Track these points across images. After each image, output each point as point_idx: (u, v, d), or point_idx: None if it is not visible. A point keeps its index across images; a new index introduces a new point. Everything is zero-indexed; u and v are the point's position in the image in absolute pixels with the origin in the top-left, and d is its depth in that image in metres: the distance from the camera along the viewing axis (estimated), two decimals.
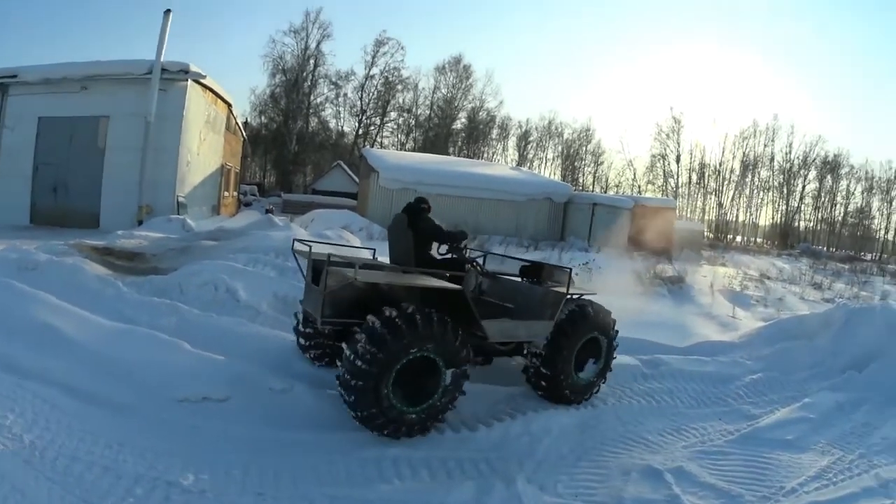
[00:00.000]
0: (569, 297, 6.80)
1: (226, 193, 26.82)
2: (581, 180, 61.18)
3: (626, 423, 6.59)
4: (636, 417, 6.82)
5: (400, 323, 5.12)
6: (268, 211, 27.22)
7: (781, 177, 58.78)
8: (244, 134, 33.07)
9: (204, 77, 19.02)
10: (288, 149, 51.78)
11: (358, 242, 12.64)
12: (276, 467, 4.70)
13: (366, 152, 32.25)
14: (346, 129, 57.76)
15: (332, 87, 55.56)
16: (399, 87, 57.56)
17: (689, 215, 56.03)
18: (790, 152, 58.30)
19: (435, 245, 6.81)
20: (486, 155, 58.45)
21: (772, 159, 58.66)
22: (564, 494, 4.95)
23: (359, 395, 5.08)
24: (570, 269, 7.07)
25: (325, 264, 5.62)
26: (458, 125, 59.64)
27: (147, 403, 5.22)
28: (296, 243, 6.59)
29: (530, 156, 62.04)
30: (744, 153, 58.61)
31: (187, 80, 17.84)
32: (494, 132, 61.30)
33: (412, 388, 5.32)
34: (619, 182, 59.80)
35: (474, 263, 7.06)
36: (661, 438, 6.35)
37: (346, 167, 44.94)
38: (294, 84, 52.47)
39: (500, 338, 6.25)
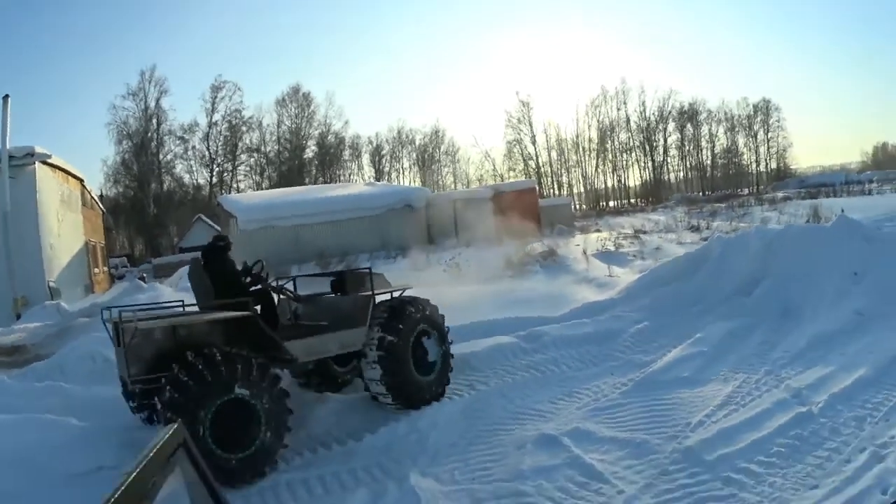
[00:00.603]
0: (385, 295, 6.75)
1: (96, 270, 25.90)
2: (440, 182, 62.49)
3: (513, 399, 6.54)
4: (523, 391, 6.79)
5: (201, 367, 5.00)
6: (140, 279, 26.44)
7: (641, 135, 61.91)
8: (102, 207, 31.89)
9: (50, 157, 18.44)
10: (148, 213, 50.09)
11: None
12: None
13: (221, 199, 32.17)
14: (200, 181, 56.79)
15: (178, 142, 54.58)
16: (244, 128, 57.55)
17: (556, 192, 58.12)
18: (644, 110, 62.02)
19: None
20: (342, 177, 58.73)
21: (627, 121, 61.77)
22: (461, 480, 4.93)
23: None
24: (370, 269, 6.97)
25: (119, 324, 5.42)
26: (308, 154, 59.87)
27: (40, 485, 5.04)
28: (103, 312, 6.17)
29: (386, 168, 62.86)
30: (598, 121, 61.37)
31: (34, 162, 17.23)
32: (346, 153, 61.97)
33: (234, 433, 5.11)
34: (481, 175, 61.45)
35: (283, 291, 7.17)
36: (552, 406, 6.30)
37: (207, 219, 44.14)
38: (141, 147, 51.02)
39: (308, 356, 6.21)
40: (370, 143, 63.09)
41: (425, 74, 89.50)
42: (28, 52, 67.76)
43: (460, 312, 8.48)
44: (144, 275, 32.21)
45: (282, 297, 7.20)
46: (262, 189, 50.96)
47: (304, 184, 49.80)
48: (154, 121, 52.15)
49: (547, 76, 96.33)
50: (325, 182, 52.60)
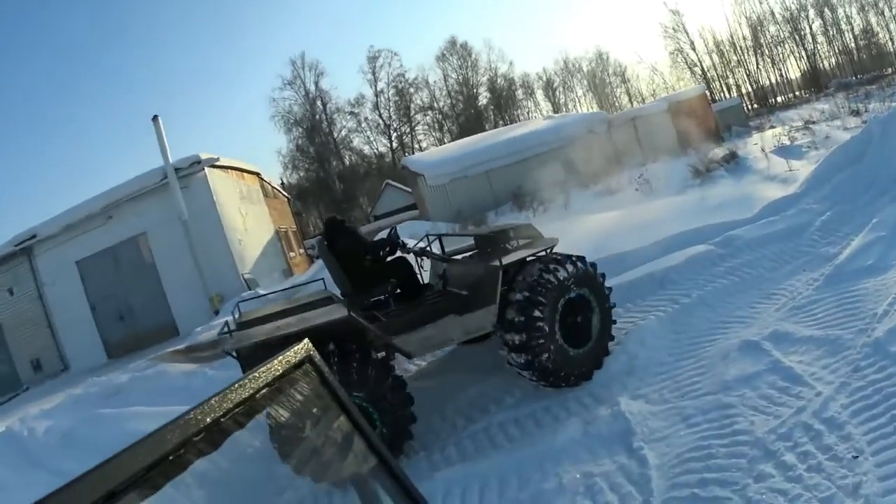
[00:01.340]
0: (527, 257, 5.89)
1: (292, 254, 27.28)
2: (616, 103, 59.76)
3: (715, 308, 6.57)
4: (724, 298, 6.78)
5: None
6: None
7: (788, 26, 56.98)
8: (286, 194, 33.59)
9: (217, 159, 19.29)
10: (335, 190, 52.54)
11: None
12: None
13: (406, 161, 32.39)
14: (381, 149, 58.08)
15: (348, 117, 56.08)
16: (411, 90, 57.46)
17: (725, 94, 54.65)
18: None
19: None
20: (520, 117, 56.99)
21: (772, 13, 57.05)
22: (670, 399, 5.01)
23: None
24: (510, 230, 6.33)
25: (228, 335, 5.22)
26: (482, 101, 58.83)
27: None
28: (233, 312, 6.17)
29: (561, 100, 60.68)
30: (745, 17, 57.26)
31: (202, 168, 18.13)
32: (519, 93, 60.25)
33: None
34: (654, 90, 58.30)
35: (426, 253, 6.69)
36: (752, 310, 6.30)
37: (395, 184, 44.95)
38: (312, 129, 53.32)
39: (425, 350, 5.71)
40: (539, 78, 61.11)
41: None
42: (176, 73, 72.40)
43: (655, 227, 9.20)
44: None
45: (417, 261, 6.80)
46: (443, 144, 51.22)
47: (485, 130, 49.36)
48: (318, 103, 54.14)
49: None
50: (505, 125, 51.58)
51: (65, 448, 6.72)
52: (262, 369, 1.13)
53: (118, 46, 67.53)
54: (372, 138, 57.60)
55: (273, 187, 29.80)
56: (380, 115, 56.72)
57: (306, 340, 1.32)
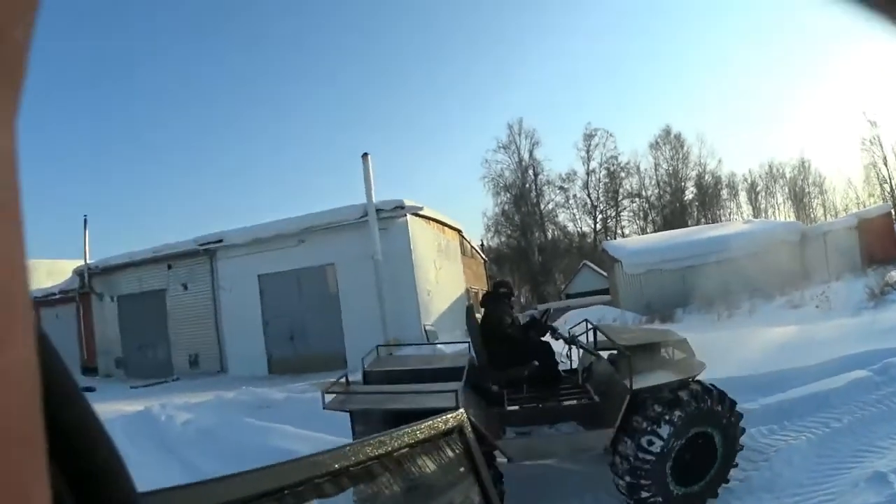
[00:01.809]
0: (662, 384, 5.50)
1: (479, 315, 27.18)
2: (811, 214, 56.49)
3: (859, 436, 6.60)
4: (868, 427, 6.77)
5: None
6: None
7: None
8: (483, 256, 33.93)
9: (422, 209, 19.68)
10: (533, 261, 52.60)
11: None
12: None
13: (606, 245, 32.89)
14: (584, 228, 57.72)
15: (557, 191, 56.41)
16: (622, 174, 57.08)
17: None
18: None
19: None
20: (721, 217, 55.30)
21: None
22: None
23: None
24: (660, 345, 6.03)
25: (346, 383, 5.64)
26: (688, 195, 57.52)
27: None
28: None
29: (762, 206, 58.61)
30: None
31: (405, 214, 18.56)
32: (724, 192, 58.52)
33: None
34: (846, 205, 54.38)
35: (576, 343, 6.41)
36: (891, 442, 6.32)
37: (592, 265, 44.43)
38: (520, 197, 54.05)
39: (525, 459, 5.53)
40: (745, 180, 59.16)
41: (786, 102, 79.07)
42: (393, 114, 75.22)
43: (826, 347, 9.26)
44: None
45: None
46: (646, 233, 50.28)
47: (687, 226, 47.84)
48: (530, 172, 54.94)
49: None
50: (707, 223, 49.85)
51: (200, 444, 6.85)
52: (410, 429, 1.16)
53: (349, 79, 72.99)
54: (577, 216, 57.58)
55: (472, 247, 30.15)
56: (588, 195, 56.70)
57: (461, 410, 1.34)
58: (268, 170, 74.07)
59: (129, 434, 7.91)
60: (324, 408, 5.42)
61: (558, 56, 73.90)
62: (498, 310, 6.28)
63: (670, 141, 57.52)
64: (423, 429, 1.17)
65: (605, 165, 56.54)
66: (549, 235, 55.85)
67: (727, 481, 5.76)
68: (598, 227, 56.60)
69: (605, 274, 38.89)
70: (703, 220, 53.69)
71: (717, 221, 51.50)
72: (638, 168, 57.38)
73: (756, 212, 56.81)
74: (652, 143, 58.06)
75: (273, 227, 19.06)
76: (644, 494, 5.30)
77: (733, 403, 5.71)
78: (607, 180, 56.70)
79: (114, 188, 65.40)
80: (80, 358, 23.73)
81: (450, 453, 1.24)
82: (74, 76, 59.77)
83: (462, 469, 1.27)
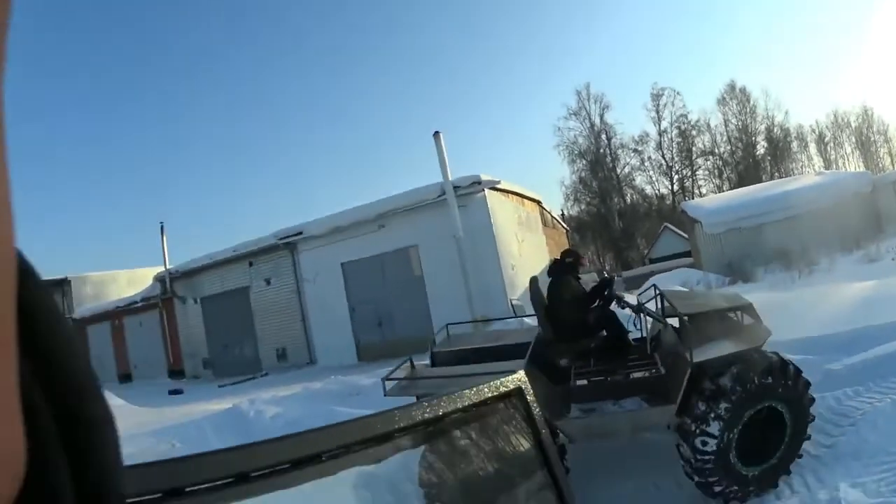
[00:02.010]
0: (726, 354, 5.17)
1: None
2: (880, 164, 54.22)
3: None
4: None
5: None
6: None
7: None
8: (564, 226, 33.28)
9: (499, 182, 19.32)
10: (613, 227, 51.80)
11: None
12: None
13: (684, 206, 32.12)
14: (662, 190, 56.41)
15: (632, 154, 55.31)
16: (693, 132, 55.40)
17: None
18: None
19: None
20: (794, 171, 53.03)
21: None
22: (885, 493, 4.73)
23: None
24: (727, 311, 5.82)
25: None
26: (760, 150, 55.45)
27: None
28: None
29: (832, 157, 56.36)
30: None
31: (482, 189, 18.18)
32: (794, 145, 56.25)
33: None
34: None
35: (644, 310, 6.05)
36: None
37: (673, 228, 43.36)
38: (596, 163, 53.18)
39: (585, 438, 5.42)
40: (812, 131, 56.79)
41: (846, 47, 74.16)
42: (464, 91, 77.34)
43: None
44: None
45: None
46: (722, 191, 48.65)
47: (761, 181, 46.04)
48: (603, 136, 53.92)
49: None
50: (780, 177, 47.84)
51: None
52: (471, 391, 1.19)
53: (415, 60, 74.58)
54: (654, 178, 56.31)
55: (553, 217, 29.61)
56: (662, 156, 55.33)
57: (521, 372, 1.35)
58: (342, 157, 75.68)
59: (219, 431, 7.90)
60: (385, 395, 5.50)
61: (616, 17, 72.89)
62: (564, 280, 6.07)
63: (736, 95, 55.57)
64: (485, 390, 1.19)
65: (676, 125, 55.04)
66: (628, 200, 54.80)
67: (800, 455, 5.41)
68: (676, 188, 55.22)
69: (686, 236, 37.97)
70: (776, 174, 51.85)
71: (790, 175, 49.88)
72: (708, 125, 55.68)
73: (827, 163, 54.87)
74: (719, 98, 56.33)
75: (352, 215, 19.17)
76: (717, 489, 5.10)
77: (798, 372, 5.30)
78: (679, 140, 55.21)
79: (184, 193, 68.15)
80: (166, 362, 24.44)
81: (509, 415, 1.26)
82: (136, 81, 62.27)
83: (522, 431, 1.27)
